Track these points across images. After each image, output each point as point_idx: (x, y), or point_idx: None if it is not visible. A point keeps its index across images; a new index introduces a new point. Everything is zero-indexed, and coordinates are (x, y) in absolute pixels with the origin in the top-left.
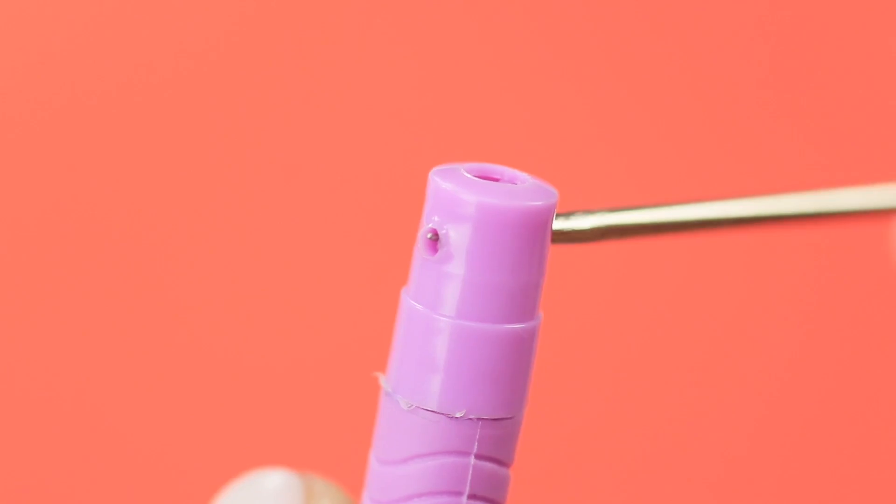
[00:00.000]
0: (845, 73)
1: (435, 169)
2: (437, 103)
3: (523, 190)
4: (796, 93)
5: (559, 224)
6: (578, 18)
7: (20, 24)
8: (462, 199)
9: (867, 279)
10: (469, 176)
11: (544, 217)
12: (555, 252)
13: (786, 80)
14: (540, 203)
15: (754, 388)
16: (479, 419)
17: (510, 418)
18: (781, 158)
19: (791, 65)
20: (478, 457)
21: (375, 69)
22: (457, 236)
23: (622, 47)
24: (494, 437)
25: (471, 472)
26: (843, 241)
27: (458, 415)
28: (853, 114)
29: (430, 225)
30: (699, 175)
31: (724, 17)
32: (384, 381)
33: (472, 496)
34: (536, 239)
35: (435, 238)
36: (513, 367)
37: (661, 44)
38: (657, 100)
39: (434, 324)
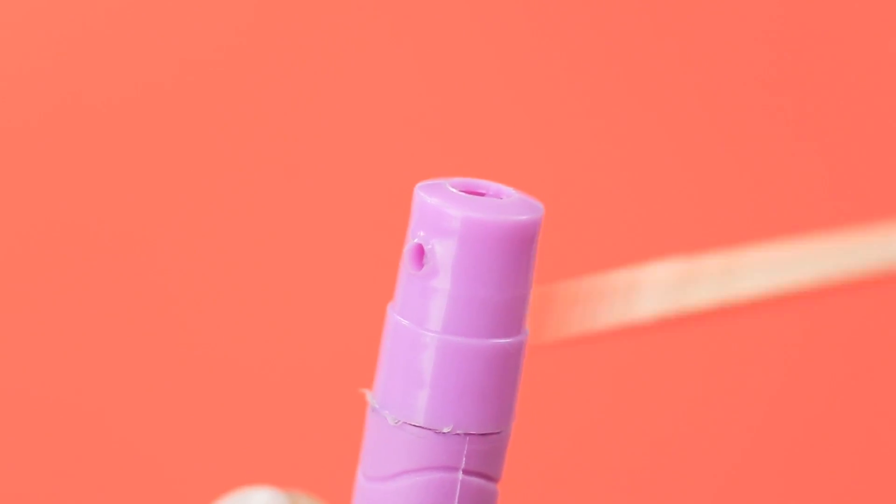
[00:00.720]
0: (844, 73)
1: (420, 184)
2: (422, 118)
3: (509, 204)
4: (796, 98)
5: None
6: (566, 32)
7: (19, 24)
8: (447, 214)
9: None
10: (454, 191)
11: (530, 231)
12: (542, 266)
13: (783, 85)
14: (526, 217)
15: (748, 401)
16: (466, 434)
17: (497, 433)
18: (783, 171)
19: (788, 67)
20: (465, 472)
21: (360, 85)
22: (442, 251)
23: (607, 62)
24: (482, 452)
25: (458, 487)
26: None
27: (445, 430)
28: (853, 115)
29: (415, 240)
30: (692, 188)
31: (714, 20)
32: (371, 396)
33: None
34: (522, 253)
35: (420, 253)
36: (500, 381)
37: (652, 55)
38: (646, 113)
39: (420, 339)
